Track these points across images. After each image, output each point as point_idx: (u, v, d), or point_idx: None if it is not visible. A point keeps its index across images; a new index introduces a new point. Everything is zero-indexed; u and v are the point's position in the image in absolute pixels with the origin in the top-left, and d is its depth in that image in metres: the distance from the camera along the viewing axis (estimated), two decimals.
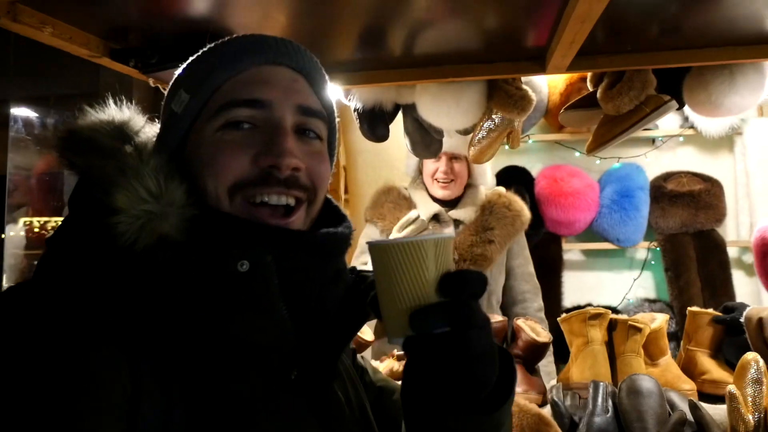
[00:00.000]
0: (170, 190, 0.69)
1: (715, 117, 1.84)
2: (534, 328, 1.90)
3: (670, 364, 1.76)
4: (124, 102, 0.80)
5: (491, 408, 0.63)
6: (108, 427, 0.58)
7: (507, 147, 1.96)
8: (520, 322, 1.89)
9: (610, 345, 1.76)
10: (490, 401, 0.63)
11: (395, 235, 2.06)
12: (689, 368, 1.76)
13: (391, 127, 2.01)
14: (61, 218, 0.74)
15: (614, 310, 2.95)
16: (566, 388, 1.69)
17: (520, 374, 1.75)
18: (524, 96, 1.73)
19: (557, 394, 1.60)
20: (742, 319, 1.61)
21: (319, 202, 0.80)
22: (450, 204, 2.21)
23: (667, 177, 3.08)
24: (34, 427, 0.56)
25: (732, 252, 3.05)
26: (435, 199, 2.21)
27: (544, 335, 1.86)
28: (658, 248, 3.05)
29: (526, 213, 2.27)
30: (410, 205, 2.22)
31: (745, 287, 2.99)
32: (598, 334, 1.72)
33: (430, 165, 2.20)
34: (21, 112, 3.09)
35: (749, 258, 3.02)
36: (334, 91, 1.90)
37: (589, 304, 2.93)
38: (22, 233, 3.33)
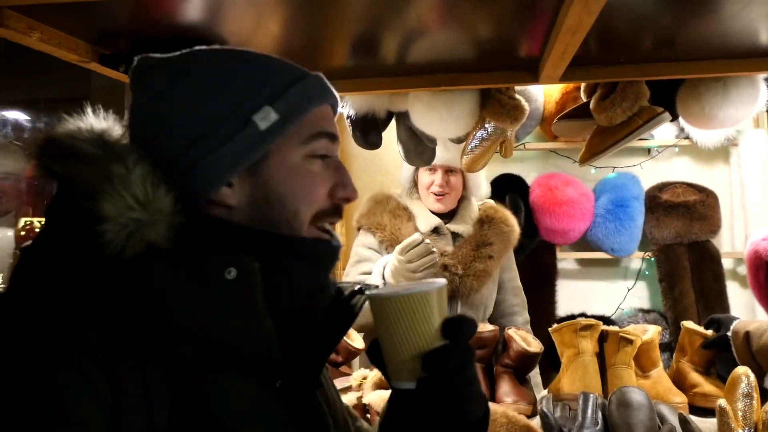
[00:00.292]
0: (158, 198, 0.69)
1: (709, 129, 1.84)
2: (525, 338, 1.89)
3: (661, 376, 1.75)
4: (101, 110, 0.78)
5: None
6: None
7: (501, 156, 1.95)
8: (511, 332, 1.88)
9: (601, 356, 1.75)
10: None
11: (397, 256, 1.97)
12: (680, 381, 1.75)
13: (386, 133, 2.01)
14: None
15: (608, 320, 2.95)
16: (556, 399, 1.69)
17: (510, 384, 1.75)
18: (517, 105, 1.72)
19: (547, 405, 1.59)
20: (729, 333, 1.60)
21: None
22: (446, 216, 2.20)
23: (663, 187, 3.08)
24: None
25: (727, 263, 3.04)
26: (432, 212, 2.19)
27: (535, 345, 1.86)
28: (652, 258, 3.04)
29: (518, 228, 2.28)
30: (409, 216, 2.19)
31: (739, 299, 2.98)
32: (589, 345, 1.71)
33: (425, 177, 2.17)
34: (11, 115, 3.08)
35: (744, 270, 3.02)
36: None
37: (583, 314, 2.92)
38: (10, 233, 3.31)
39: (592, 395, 1.53)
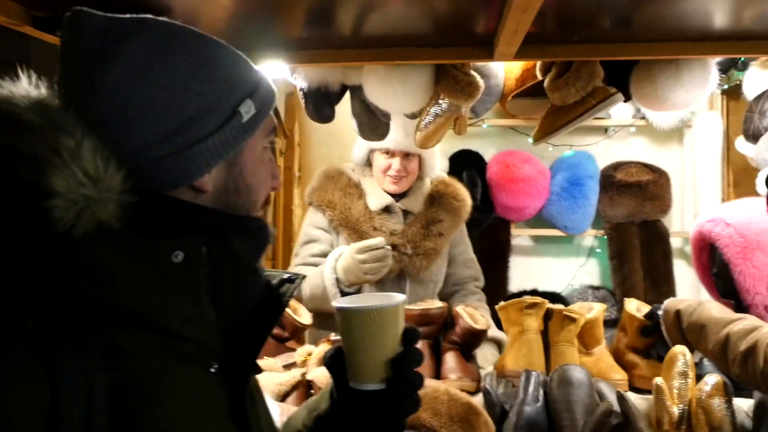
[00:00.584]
0: (109, 175, 0.67)
1: (661, 111, 1.85)
2: (472, 315, 1.90)
3: (603, 353, 1.78)
4: (36, 76, 0.73)
5: None
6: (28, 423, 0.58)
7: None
8: (459, 308, 1.89)
9: (546, 334, 1.77)
10: None
11: (354, 254, 1.92)
12: (621, 360, 1.78)
13: (343, 107, 1.98)
14: None
15: (558, 297, 3.00)
16: (501, 376, 1.70)
17: (455, 361, 1.76)
18: (471, 82, 1.70)
19: (490, 382, 1.61)
20: (660, 312, 1.63)
21: None
22: (398, 194, 2.18)
23: (617, 166, 3.11)
24: None
25: (675, 243, 3.11)
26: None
27: (482, 322, 1.87)
28: (604, 237, 3.09)
29: (470, 201, 2.27)
30: (360, 193, 2.15)
31: (686, 277, 3.05)
32: (534, 323, 1.73)
33: (381, 160, 2.12)
34: None
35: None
36: (281, 70, 1.84)
37: (535, 290, 2.96)
38: None
39: (534, 373, 1.55)
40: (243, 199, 0.80)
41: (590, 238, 3.18)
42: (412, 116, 1.86)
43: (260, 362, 1.70)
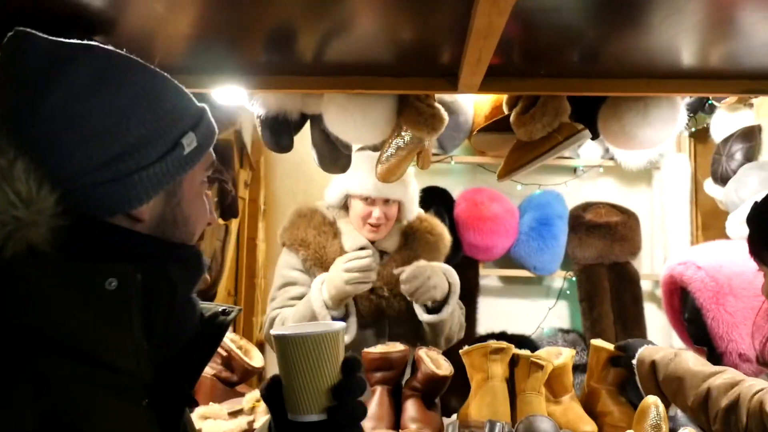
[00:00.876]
0: (42, 197, 0.67)
1: (628, 149, 1.80)
2: (435, 360, 1.79)
3: (572, 403, 1.69)
4: None
5: None
6: None
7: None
8: (421, 352, 1.79)
9: (512, 381, 1.68)
10: None
11: (339, 263, 1.85)
12: (591, 405, 1.69)
13: (307, 139, 1.89)
14: None
15: (528, 340, 2.91)
16: (464, 425, 1.60)
17: (416, 409, 1.65)
18: (435, 114, 1.63)
19: None
20: (634, 361, 1.55)
21: None
22: None
23: (586, 207, 3.07)
24: None
25: (645, 285, 3.06)
26: None
27: (445, 368, 1.76)
28: (573, 278, 3.02)
29: (448, 236, 2.18)
30: (336, 233, 2.03)
31: (657, 321, 2.99)
32: (499, 369, 1.63)
33: (360, 207, 1.98)
34: None
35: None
36: (238, 96, 1.76)
37: (504, 332, 2.87)
38: None
39: (498, 423, 1.45)
40: (180, 231, 0.80)
41: (560, 279, 3.12)
42: (374, 148, 1.78)
43: (205, 408, 1.57)
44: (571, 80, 1.54)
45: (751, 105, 2.47)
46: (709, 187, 2.54)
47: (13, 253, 0.64)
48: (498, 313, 3.11)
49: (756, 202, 1.32)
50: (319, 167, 1.92)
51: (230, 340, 1.65)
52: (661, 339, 2.90)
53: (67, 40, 0.74)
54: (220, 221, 2.64)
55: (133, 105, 0.74)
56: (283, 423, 0.80)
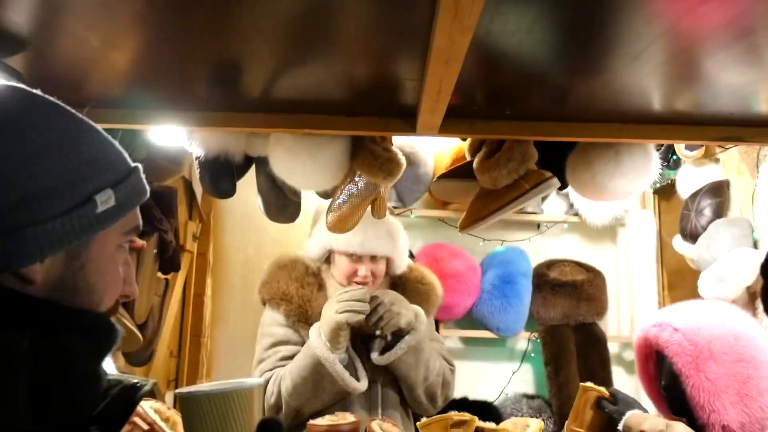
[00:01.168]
0: None
1: (599, 200, 1.69)
2: None
3: None
4: None
5: None
6: None
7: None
8: (374, 424, 1.59)
9: None
10: None
11: (332, 303, 1.68)
12: None
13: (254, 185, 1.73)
14: None
15: (491, 406, 2.72)
16: None
17: None
18: (391, 158, 1.49)
19: None
20: (620, 427, 1.39)
21: None
22: None
23: (551, 264, 2.95)
24: None
25: (612, 347, 2.92)
26: None
27: None
28: (538, 339, 2.87)
29: (439, 286, 2.01)
30: (321, 284, 1.86)
31: (625, 385, 2.85)
32: None
33: (344, 264, 1.82)
34: None
35: (630, 355, 2.91)
36: (178, 135, 1.60)
37: (465, 398, 2.68)
38: None
39: None
40: (81, 299, 0.72)
41: (524, 340, 2.96)
42: (325, 195, 1.62)
43: None
44: (539, 123, 1.44)
45: (717, 160, 2.41)
46: (678, 244, 2.44)
47: None
48: (459, 376, 2.89)
49: None
50: (264, 215, 1.75)
51: (154, 410, 1.43)
52: None
53: None
54: (160, 275, 2.42)
55: (42, 151, 0.67)
56: None
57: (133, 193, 0.77)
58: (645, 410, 1.47)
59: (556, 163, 1.59)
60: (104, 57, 1.16)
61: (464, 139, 1.91)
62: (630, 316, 2.93)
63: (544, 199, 2.96)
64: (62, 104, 0.74)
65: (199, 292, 3.17)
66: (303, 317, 1.79)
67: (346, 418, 1.63)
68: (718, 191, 2.29)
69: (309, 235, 2.75)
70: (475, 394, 2.76)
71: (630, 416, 1.41)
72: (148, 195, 0.83)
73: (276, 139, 1.50)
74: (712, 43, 1.04)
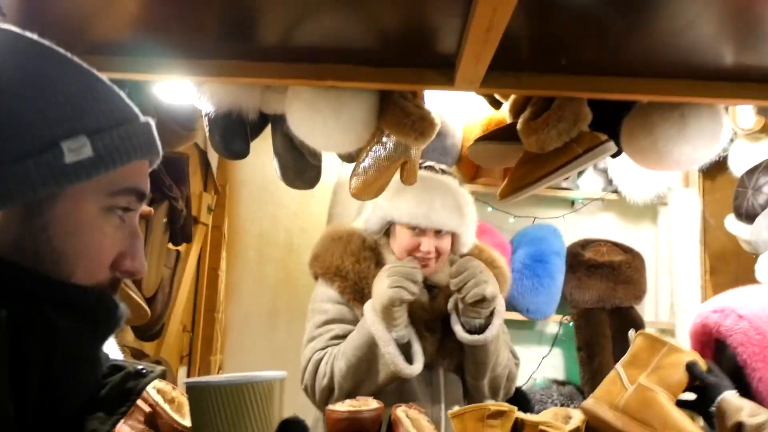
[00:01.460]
0: None
1: (659, 170, 1.50)
2: (417, 422, 1.45)
3: None
4: None
5: None
6: None
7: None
8: (399, 412, 1.44)
9: None
10: None
11: (383, 277, 1.53)
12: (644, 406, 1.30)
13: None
14: None
15: (519, 391, 2.57)
16: None
17: None
18: (425, 117, 1.31)
19: None
20: (713, 408, 1.22)
21: None
22: None
23: (585, 244, 2.77)
24: None
25: None
26: None
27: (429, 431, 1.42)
28: (571, 323, 2.70)
29: (507, 270, 1.85)
30: (379, 260, 1.69)
31: None
32: None
33: (407, 238, 1.64)
34: None
35: None
36: (188, 94, 1.44)
37: None
38: None
39: None
40: (45, 269, 0.61)
41: (554, 324, 2.79)
42: (348, 158, 1.45)
43: None
44: (596, 78, 1.26)
45: None
46: (732, 224, 2.25)
47: None
48: None
49: None
50: (281, 181, 1.58)
51: (157, 391, 1.29)
52: None
53: None
54: (170, 246, 2.28)
55: (6, 85, 0.60)
56: None
57: (125, 145, 0.66)
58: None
59: (609, 127, 1.41)
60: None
61: (496, 107, 1.73)
62: (669, 301, 2.74)
63: (579, 174, 2.77)
64: (49, 44, 0.66)
65: (214, 265, 3.11)
66: (359, 295, 1.64)
67: (368, 404, 1.48)
68: None
69: (329, 207, 2.62)
70: None
71: (725, 399, 1.23)
72: (159, 155, 0.72)
73: (294, 94, 1.33)
74: None
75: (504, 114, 2.40)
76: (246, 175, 2.92)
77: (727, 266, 2.83)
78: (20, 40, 0.65)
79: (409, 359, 1.57)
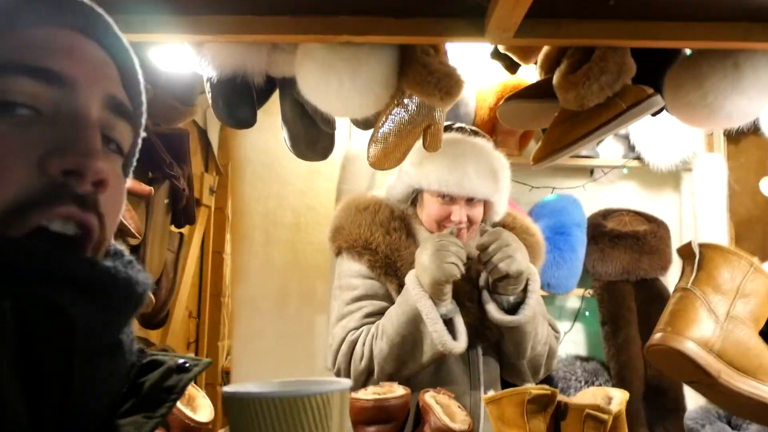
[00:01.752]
0: None
1: (707, 126, 1.39)
2: (448, 408, 1.35)
3: None
4: None
5: None
6: None
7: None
8: (428, 397, 1.33)
9: None
10: None
11: (428, 247, 1.42)
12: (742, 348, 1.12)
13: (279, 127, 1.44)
14: None
15: None
16: None
17: None
18: (450, 74, 1.18)
19: None
20: None
21: (105, 247, 0.57)
22: None
23: (607, 214, 2.64)
24: None
25: None
26: None
27: (461, 419, 1.31)
28: (593, 297, 2.59)
29: (542, 239, 1.76)
30: (409, 231, 1.57)
31: None
32: (542, 425, 1.18)
33: (435, 206, 1.55)
34: None
35: None
36: (185, 53, 1.31)
37: None
38: None
39: None
40: None
41: (576, 298, 2.68)
42: (366, 124, 1.33)
43: None
44: (642, 24, 1.13)
45: None
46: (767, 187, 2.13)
47: None
48: None
49: None
50: (290, 150, 1.46)
51: None
52: None
53: None
54: (173, 228, 2.17)
55: None
56: None
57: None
58: None
59: (650, 81, 1.28)
60: None
61: (512, 71, 1.60)
62: None
63: (599, 141, 2.64)
64: None
65: (218, 248, 3.04)
66: (391, 269, 1.52)
67: (393, 390, 1.37)
68: None
69: (339, 182, 2.49)
70: None
71: None
72: (80, 18, 0.55)
73: (305, 53, 1.20)
74: None
75: (519, 79, 2.29)
76: (249, 153, 2.79)
77: (753, 233, 2.72)
78: None
79: (453, 336, 1.46)
